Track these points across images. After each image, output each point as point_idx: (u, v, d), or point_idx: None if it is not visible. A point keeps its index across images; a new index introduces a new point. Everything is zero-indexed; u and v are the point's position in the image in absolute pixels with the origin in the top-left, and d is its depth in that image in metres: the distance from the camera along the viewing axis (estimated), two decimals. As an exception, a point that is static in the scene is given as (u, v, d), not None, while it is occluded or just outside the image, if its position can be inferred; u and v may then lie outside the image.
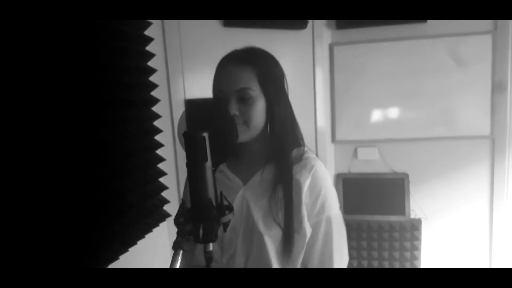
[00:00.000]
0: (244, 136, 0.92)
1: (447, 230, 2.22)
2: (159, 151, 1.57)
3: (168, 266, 0.66)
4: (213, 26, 1.93)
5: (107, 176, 1.25)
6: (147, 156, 1.52)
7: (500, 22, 2.00)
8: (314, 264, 0.96)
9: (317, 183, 0.95)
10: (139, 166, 1.43)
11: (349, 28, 2.14)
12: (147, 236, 1.49)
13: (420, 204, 2.22)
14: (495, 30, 2.02)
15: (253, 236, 0.94)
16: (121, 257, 1.33)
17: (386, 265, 2.19)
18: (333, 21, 2.15)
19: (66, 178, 1.07)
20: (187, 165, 0.71)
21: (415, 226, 2.16)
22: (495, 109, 2.06)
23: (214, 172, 0.72)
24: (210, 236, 0.70)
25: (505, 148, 2.08)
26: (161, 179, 1.59)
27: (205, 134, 0.69)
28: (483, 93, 2.07)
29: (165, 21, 1.85)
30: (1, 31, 0.87)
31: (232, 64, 0.93)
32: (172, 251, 0.68)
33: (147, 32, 1.48)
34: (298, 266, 0.97)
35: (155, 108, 1.54)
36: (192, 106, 0.79)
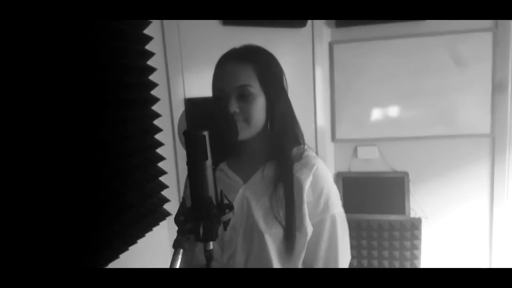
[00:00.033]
0: (244, 133, 0.92)
1: (447, 229, 2.22)
2: (159, 150, 1.57)
3: (168, 265, 0.66)
4: (212, 25, 1.93)
5: (107, 175, 1.25)
6: (147, 155, 1.52)
7: (501, 20, 2.00)
8: (320, 262, 0.96)
9: (319, 182, 0.95)
10: (139, 165, 1.43)
11: (348, 26, 2.14)
12: (147, 235, 1.49)
13: (420, 203, 2.22)
14: (495, 27, 2.02)
15: (253, 235, 0.94)
16: (121, 256, 1.33)
17: (386, 264, 2.19)
18: (332, 20, 2.15)
19: (67, 177, 1.07)
20: (188, 164, 0.71)
21: (415, 225, 2.16)
22: (495, 107, 2.06)
23: (214, 170, 0.72)
24: (211, 235, 0.70)
25: (506, 147, 2.08)
26: (161, 178, 1.59)
27: (205, 133, 0.69)
28: (483, 92, 2.07)
29: (165, 20, 1.85)
30: (1, 31, 0.87)
31: (231, 62, 0.93)
32: (172, 250, 0.68)
33: (147, 31, 1.48)
34: (299, 265, 0.97)
35: (155, 107, 1.54)
36: (192, 105, 0.79)
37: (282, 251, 0.94)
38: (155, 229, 1.55)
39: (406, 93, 2.15)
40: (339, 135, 2.27)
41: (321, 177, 0.96)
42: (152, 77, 1.53)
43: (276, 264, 0.94)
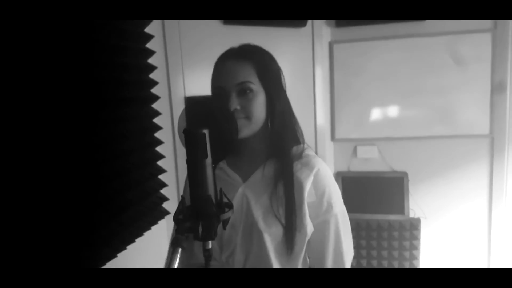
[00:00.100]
0: (246, 130, 0.92)
1: (446, 229, 2.23)
2: (158, 148, 1.56)
3: (167, 265, 0.66)
4: (213, 24, 1.93)
5: (107, 174, 1.25)
6: (147, 153, 1.52)
7: (500, 20, 2.00)
8: (329, 262, 0.97)
9: (321, 182, 0.95)
10: (138, 164, 1.43)
11: (348, 26, 2.14)
12: (146, 233, 1.49)
13: (419, 203, 2.22)
14: (495, 28, 2.02)
15: (252, 234, 0.94)
16: (119, 255, 1.33)
17: (385, 264, 2.20)
18: (332, 20, 2.15)
19: (66, 176, 1.07)
20: (187, 162, 0.71)
21: (414, 225, 2.16)
22: (494, 108, 2.06)
23: (214, 169, 0.72)
24: (210, 234, 0.70)
25: (504, 147, 2.08)
26: (161, 177, 1.59)
27: (205, 131, 0.69)
28: (482, 92, 2.07)
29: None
30: (1, 29, 0.87)
31: (230, 60, 0.93)
32: (171, 249, 0.68)
33: (147, 30, 1.48)
34: (299, 264, 0.97)
35: (155, 105, 1.54)
36: (192, 103, 0.79)
37: (281, 250, 0.94)
38: (153, 228, 1.54)
39: (406, 93, 2.15)
40: (338, 134, 2.27)
41: (323, 177, 0.96)
42: (153, 75, 1.53)
43: (275, 263, 0.94)
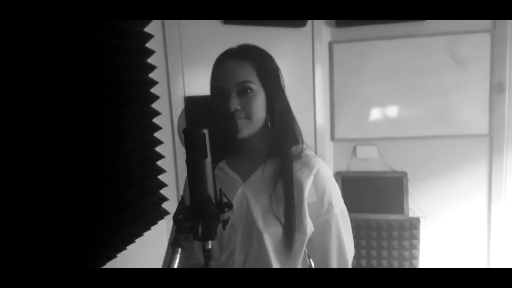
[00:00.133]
0: (247, 130, 0.92)
1: (446, 229, 2.23)
2: (158, 148, 1.56)
3: (166, 265, 0.66)
4: (212, 24, 1.93)
5: (106, 174, 1.25)
6: (146, 153, 1.52)
7: (499, 20, 2.01)
8: (333, 260, 0.97)
9: (322, 181, 0.95)
10: (138, 164, 1.43)
11: (348, 26, 2.14)
12: (145, 234, 1.49)
13: (419, 203, 2.22)
14: (493, 28, 2.02)
15: (252, 234, 0.94)
16: (119, 255, 1.33)
17: (384, 264, 2.20)
18: (332, 19, 2.15)
19: (65, 176, 1.07)
20: (187, 162, 0.71)
21: (413, 225, 2.16)
22: (493, 107, 2.07)
23: (213, 169, 0.72)
24: (209, 234, 0.70)
25: (503, 146, 2.08)
26: (160, 177, 1.59)
27: (205, 131, 0.69)
28: (481, 92, 2.07)
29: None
30: (1, 29, 0.87)
31: (230, 60, 0.93)
32: (171, 249, 0.68)
33: (147, 29, 1.47)
34: (298, 264, 0.97)
35: (154, 105, 1.54)
36: (192, 102, 0.79)
37: (281, 250, 0.94)
38: (153, 228, 1.54)
39: (405, 93, 2.15)
40: (338, 134, 2.27)
41: (323, 177, 0.96)
42: (152, 75, 1.53)
43: (275, 263, 0.94)
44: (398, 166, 2.25)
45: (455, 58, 2.07)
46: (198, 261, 0.95)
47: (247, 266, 0.96)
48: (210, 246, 0.72)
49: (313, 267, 1.03)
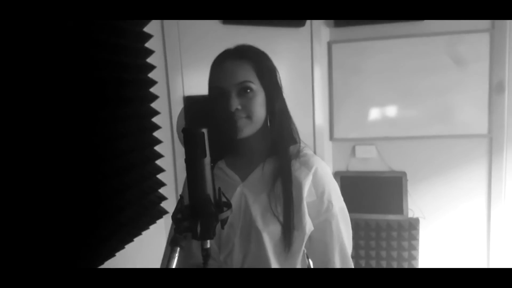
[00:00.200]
0: (247, 130, 0.92)
1: (445, 229, 2.23)
2: (157, 148, 1.56)
3: (165, 264, 0.66)
4: (212, 23, 1.93)
5: (105, 173, 1.25)
6: (145, 152, 1.52)
7: (498, 20, 2.01)
8: (335, 259, 0.97)
9: (321, 180, 0.95)
10: (137, 163, 1.43)
11: (347, 26, 2.14)
12: (144, 233, 1.49)
13: (418, 203, 2.22)
14: (492, 28, 2.02)
15: (251, 233, 0.94)
16: (117, 254, 1.33)
17: (383, 264, 2.20)
18: (331, 19, 2.15)
19: (64, 175, 1.07)
20: (186, 161, 0.71)
21: (413, 225, 2.16)
22: (492, 107, 2.07)
23: (212, 168, 0.72)
24: (208, 233, 0.70)
25: (503, 146, 2.08)
26: (159, 176, 1.59)
27: (204, 130, 0.69)
28: (481, 92, 2.07)
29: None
30: (1, 28, 0.87)
31: (228, 61, 0.93)
32: (169, 248, 0.68)
33: (146, 29, 1.48)
34: (297, 263, 0.97)
35: (153, 105, 1.54)
36: (191, 102, 0.79)
37: (280, 250, 0.94)
38: (152, 227, 1.54)
39: (404, 93, 2.15)
40: (337, 134, 2.27)
41: (322, 176, 0.96)
42: (151, 75, 1.53)
43: (273, 262, 0.94)
44: (397, 166, 2.25)
45: (454, 58, 2.07)
46: (197, 260, 0.95)
47: (246, 266, 0.96)
48: (208, 246, 0.72)
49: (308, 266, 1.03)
